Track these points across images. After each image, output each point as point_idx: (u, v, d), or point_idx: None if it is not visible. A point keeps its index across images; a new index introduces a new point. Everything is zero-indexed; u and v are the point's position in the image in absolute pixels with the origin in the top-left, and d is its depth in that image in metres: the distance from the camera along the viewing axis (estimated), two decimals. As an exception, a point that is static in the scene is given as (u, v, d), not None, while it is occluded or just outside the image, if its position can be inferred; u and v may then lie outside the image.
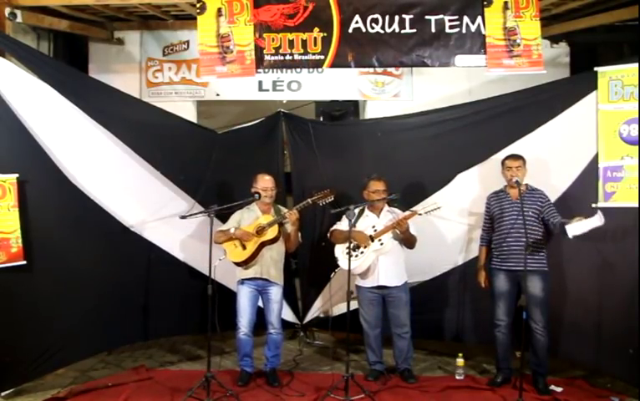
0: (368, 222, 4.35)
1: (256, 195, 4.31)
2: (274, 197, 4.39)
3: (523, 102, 4.58)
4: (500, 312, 4.25)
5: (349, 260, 4.11)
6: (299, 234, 4.47)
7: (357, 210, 4.31)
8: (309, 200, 4.41)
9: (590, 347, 4.28)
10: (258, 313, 4.39)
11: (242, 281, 4.30)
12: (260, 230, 4.22)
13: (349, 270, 4.09)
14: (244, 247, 4.23)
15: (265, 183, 4.34)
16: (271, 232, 4.23)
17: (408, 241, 4.33)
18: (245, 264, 4.24)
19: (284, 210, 4.38)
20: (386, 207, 4.42)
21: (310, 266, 5.37)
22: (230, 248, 4.21)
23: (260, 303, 4.42)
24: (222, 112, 7.07)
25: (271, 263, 4.29)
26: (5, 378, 4.05)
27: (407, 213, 4.29)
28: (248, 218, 4.36)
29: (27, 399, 4.09)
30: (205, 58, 4.33)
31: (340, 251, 4.37)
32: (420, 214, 4.22)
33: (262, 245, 4.23)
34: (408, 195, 4.76)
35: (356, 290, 4.42)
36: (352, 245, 4.21)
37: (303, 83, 6.04)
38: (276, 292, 4.32)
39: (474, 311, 4.85)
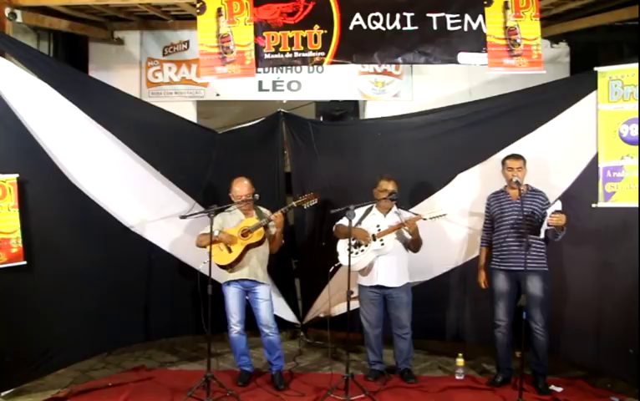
0: (373, 221, 4.35)
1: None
2: (250, 199, 4.28)
3: (523, 102, 4.58)
4: (500, 312, 4.25)
5: (349, 258, 4.11)
6: (282, 235, 4.45)
7: (357, 210, 4.31)
8: (293, 203, 4.43)
9: (590, 347, 4.28)
10: (250, 317, 4.38)
11: (229, 283, 4.29)
12: (245, 233, 4.21)
13: (349, 270, 4.09)
14: (229, 250, 4.22)
15: (241, 189, 4.28)
16: (257, 235, 4.21)
17: (414, 243, 4.32)
18: (231, 267, 4.23)
19: (266, 211, 4.37)
20: (394, 208, 4.41)
21: (310, 266, 5.37)
22: (215, 251, 4.18)
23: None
24: (222, 112, 7.07)
25: (258, 264, 4.28)
26: (5, 378, 4.05)
27: (412, 216, 4.29)
28: (231, 221, 4.33)
29: (27, 399, 4.09)
30: (205, 59, 4.32)
31: (342, 246, 4.37)
32: (425, 219, 4.21)
33: (248, 247, 4.22)
34: (409, 195, 4.76)
35: (357, 289, 4.43)
36: (353, 242, 4.21)
37: (303, 83, 6.04)
38: (264, 291, 4.31)
39: (474, 311, 4.85)
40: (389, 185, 4.35)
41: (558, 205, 3.95)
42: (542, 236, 3.99)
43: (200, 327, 4.18)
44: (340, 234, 4.41)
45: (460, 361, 4.50)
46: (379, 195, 4.36)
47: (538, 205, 4.13)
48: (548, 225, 3.94)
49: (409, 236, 4.28)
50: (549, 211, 3.94)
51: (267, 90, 6.07)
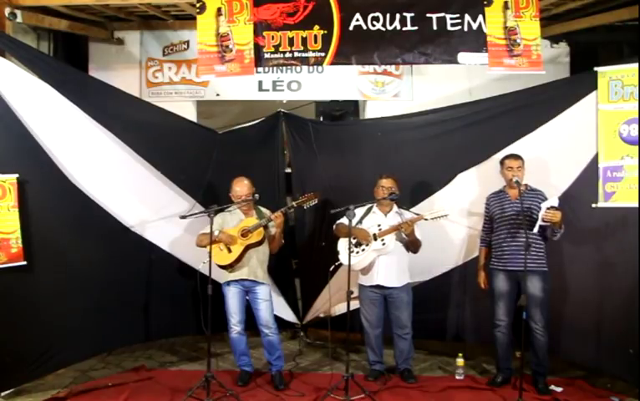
0: (374, 220, 4.35)
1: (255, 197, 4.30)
2: (250, 199, 4.28)
3: (523, 102, 4.58)
4: (500, 312, 4.25)
5: (349, 258, 4.11)
6: (282, 235, 4.45)
7: (358, 210, 4.31)
8: (293, 203, 4.43)
9: (590, 347, 4.28)
10: (250, 317, 4.37)
11: (229, 283, 4.28)
12: (245, 233, 4.20)
13: (349, 269, 4.09)
14: (229, 250, 4.22)
15: (241, 189, 4.29)
16: (257, 235, 4.21)
17: (412, 244, 4.32)
18: (231, 267, 4.23)
19: (266, 211, 4.36)
20: (395, 208, 4.41)
21: (310, 266, 5.37)
22: (215, 251, 4.17)
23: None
24: (222, 112, 7.07)
25: (258, 264, 4.28)
26: (5, 378, 4.05)
27: (413, 216, 4.29)
28: (231, 221, 4.33)
29: (27, 399, 4.09)
30: (203, 58, 4.32)
31: (343, 245, 4.36)
32: (427, 219, 4.21)
33: (247, 247, 4.22)
34: (409, 195, 4.76)
35: (358, 289, 4.42)
36: (354, 242, 4.20)
37: (303, 83, 6.04)
38: (264, 291, 4.30)
39: (474, 311, 4.85)
40: (387, 183, 4.35)
41: (554, 201, 3.96)
42: (536, 230, 3.99)
43: (200, 327, 4.17)
44: (341, 233, 4.40)
45: (460, 361, 4.50)
46: (379, 194, 4.37)
47: (537, 205, 4.12)
48: (543, 220, 3.94)
49: (406, 238, 4.28)
50: (543, 206, 3.95)
51: (267, 90, 6.06)
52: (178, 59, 6.03)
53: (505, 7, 4.18)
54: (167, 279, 4.91)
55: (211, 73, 4.35)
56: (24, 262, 4.03)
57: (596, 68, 4.26)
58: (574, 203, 4.26)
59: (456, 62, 4.26)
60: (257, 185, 4.38)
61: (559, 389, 4.15)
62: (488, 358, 4.71)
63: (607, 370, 4.27)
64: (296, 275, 5.65)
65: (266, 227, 4.25)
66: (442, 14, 4.22)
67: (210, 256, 4.10)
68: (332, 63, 4.38)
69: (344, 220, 4.33)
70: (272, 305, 4.38)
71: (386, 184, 4.35)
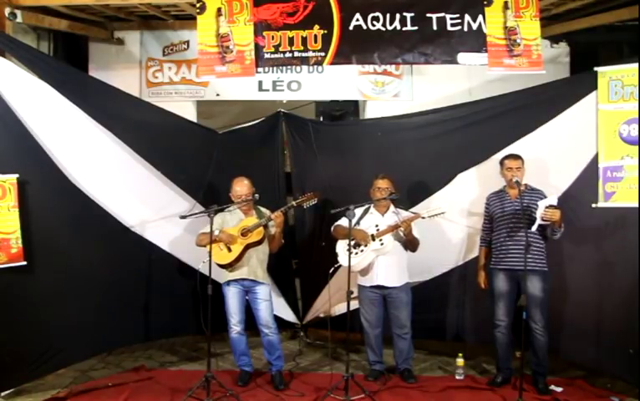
0: (371, 221, 4.35)
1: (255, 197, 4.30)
2: (250, 199, 4.28)
3: (523, 102, 4.58)
4: (500, 312, 4.25)
5: (349, 258, 4.11)
6: (282, 235, 4.45)
7: (357, 210, 4.31)
8: (293, 202, 4.44)
9: (590, 347, 4.28)
10: (250, 317, 4.38)
11: (228, 283, 4.28)
12: (245, 233, 4.20)
13: (349, 269, 4.09)
14: (229, 250, 4.22)
15: (241, 189, 4.29)
16: (257, 234, 4.21)
17: (410, 243, 4.32)
18: (230, 266, 4.23)
19: (266, 211, 4.36)
20: (392, 208, 4.42)
21: (310, 266, 5.37)
22: (215, 250, 4.17)
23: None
24: (222, 112, 7.07)
25: (258, 264, 4.28)
26: (5, 378, 4.05)
27: (410, 215, 4.29)
28: (231, 220, 4.33)
29: (27, 399, 4.09)
30: (204, 58, 4.32)
31: (341, 247, 4.37)
32: (424, 217, 4.21)
33: (247, 247, 4.22)
34: (408, 195, 4.77)
35: (357, 289, 4.42)
36: (353, 242, 4.21)
37: (303, 83, 6.04)
38: (264, 291, 4.30)
39: (474, 311, 4.85)
40: (383, 183, 4.35)
41: (553, 200, 3.96)
42: (535, 228, 3.99)
43: (200, 327, 4.17)
44: (339, 234, 4.41)
45: (460, 361, 4.50)
46: (375, 195, 4.37)
47: (537, 204, 4.12)
48: (542, 219, 3.94)
49: (404, 237, 4.28)
50: (541, 204, 3.95)
51: (267, 90, 6.06)
52: (178, 59, 6.03)
53: (505, 7, 4.18)
54: (167, 279, 4.91)
55: (212, 73, 4.35)
56: (24, 262, 4.03)
57: (596, 68, 4.26)
58: (574, 203, 4.26)
59: (456, 62, 4.26)
60: (257, 185, 4.38)
61: (559, 389, 4.15)
62: (488, 358, 4.71)
63: (607, 370, 4.27)
64: (296, 275, 5.65)
65: (266, 227, 4.25)
66: (442, 14, 4.22)
67: (210, 256, 4.10)
68: (332, 63, 4.37)
69: (342, 222, 4.34)
70: (272, 305, 4.38)
71: (382, 184, 4.36)
